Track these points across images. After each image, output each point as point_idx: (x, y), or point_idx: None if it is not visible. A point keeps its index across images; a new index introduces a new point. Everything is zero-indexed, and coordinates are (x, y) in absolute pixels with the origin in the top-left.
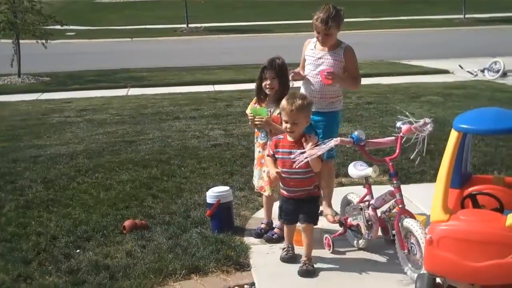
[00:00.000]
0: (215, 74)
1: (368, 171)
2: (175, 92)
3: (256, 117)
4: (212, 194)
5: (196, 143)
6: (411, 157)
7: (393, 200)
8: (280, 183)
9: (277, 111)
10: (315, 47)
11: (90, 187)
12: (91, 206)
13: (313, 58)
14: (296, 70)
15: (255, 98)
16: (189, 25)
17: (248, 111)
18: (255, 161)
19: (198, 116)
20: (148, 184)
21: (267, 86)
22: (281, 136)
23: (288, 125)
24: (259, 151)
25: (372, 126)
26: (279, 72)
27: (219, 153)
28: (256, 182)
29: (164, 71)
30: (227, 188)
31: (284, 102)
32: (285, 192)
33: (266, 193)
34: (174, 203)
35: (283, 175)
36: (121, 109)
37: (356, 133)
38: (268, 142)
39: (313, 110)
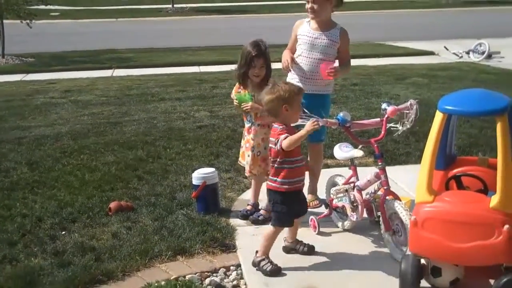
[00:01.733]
0: (200, 55)
1: (354, 152)
2: (160, 73)
3: (242, 104)
4: (198, 175)
5: (181, 125)
6: (397, 133)
7: (378, 182)
8: (290, 179)
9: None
10: (309, 26)
11: (75, 168)
12: (76, 188)
13: (309, 38)
14: (288, 54)
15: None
16: (175, 6)
17: (233, 96)
18: (242, 143)
19: (183, 98)
20: (133, 166)
21: (255, 75)
22: (284, 127)
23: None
24: (245, 135)
25: (357, 108)
26: (267, 59)
27: (204, 135)
28: (247, 165)
29: (149, 52)
30: (212, 169)
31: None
32: (298, 184)
33: (253, 173)
34: (160, 184)
35: (298, 164)
36: (106, 90)
37: (341, 114)
38: (252, 127)
39: (306, 92)
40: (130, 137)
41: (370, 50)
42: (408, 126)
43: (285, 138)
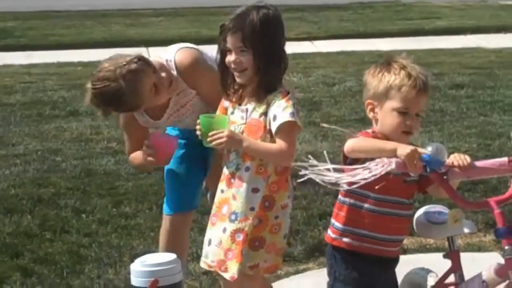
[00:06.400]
0: (150, 24)
1: (455, 224)
2: (70, 62)
3: (210, 133)
4: (143, 268)
5: (111, 165)
6: None
7: (504, 285)
8: (359, 228)
9: (260, 111)
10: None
11: None
12: None
13: None
14: None
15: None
16: None
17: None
18: (213, 209)
19: None
20: (13, 247)
21: (232, 65)
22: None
23: (409, 120)
24: (222, 190)
25: (463, 134)
26: (254, 35)
27: (157, 185)
28: (210, 251)
29: (47, 18)
30: (172, 256)
31: (389, 76)
32: (380, 246)
33: (229, 274)
34: (66, 285)
35: (381, 208)
36: None
37: (430, 149)
38: (236, 173)
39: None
40: (8, 190)
41: (488, 19)
42: None
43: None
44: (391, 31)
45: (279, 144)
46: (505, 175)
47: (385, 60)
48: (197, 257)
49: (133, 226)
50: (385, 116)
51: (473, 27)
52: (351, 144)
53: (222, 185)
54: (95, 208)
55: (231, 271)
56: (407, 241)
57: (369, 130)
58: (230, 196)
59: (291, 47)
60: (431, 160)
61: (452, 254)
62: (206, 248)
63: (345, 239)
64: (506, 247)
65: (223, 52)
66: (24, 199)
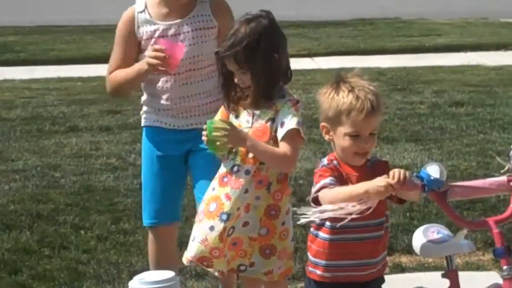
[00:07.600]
0: None
1: (453, 243)
2: (70, 77)
3: (213, 133)
4: (141, 286)
5: (110, 181)
6: None
7: None
8: (330, 260)
9: (267, 117)
10: (151, 17)
11: None
12: None
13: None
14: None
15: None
16: None
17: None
18: (201, 205)
19: (116, 126)
20: (12, 264)
21: (239, 84)
22: (333, 162)
23: (362, 142)
24: (213, 188)
25: (463, 152)
26: (245, 57)
27: None
28: (194, 247)
29: (48, 34)
30: (171, 274)
31: (343, 98)
32: (354, 272)
33: (215, 270)
34: None
35: (347, 235)
36: None
37: (428, 169)
38: (233, 174)
39: (179, 127)
40: (7, 205)
41: (488, 36)
42: None
43: (324, 187)
44: (391, 48)
45: (284, 149)
46: (504, 194)
47: (335, 80)
48: (196, 274)
49: (132, 243)
50: (339, 140)
51: (473, 44)
52: (327, 200)
53: (214, 183)
54: (94, 225)
55: (217, 267)
56: (405, 260)
57: (325, 161)
58: (222, 195)
59: (291, 64)
60: (430, 179)
61: (451, 273)
62: (190, 244)
63: (318, 272)
64: (505, 267)
65: (225, 74)
66: (23, 215)
